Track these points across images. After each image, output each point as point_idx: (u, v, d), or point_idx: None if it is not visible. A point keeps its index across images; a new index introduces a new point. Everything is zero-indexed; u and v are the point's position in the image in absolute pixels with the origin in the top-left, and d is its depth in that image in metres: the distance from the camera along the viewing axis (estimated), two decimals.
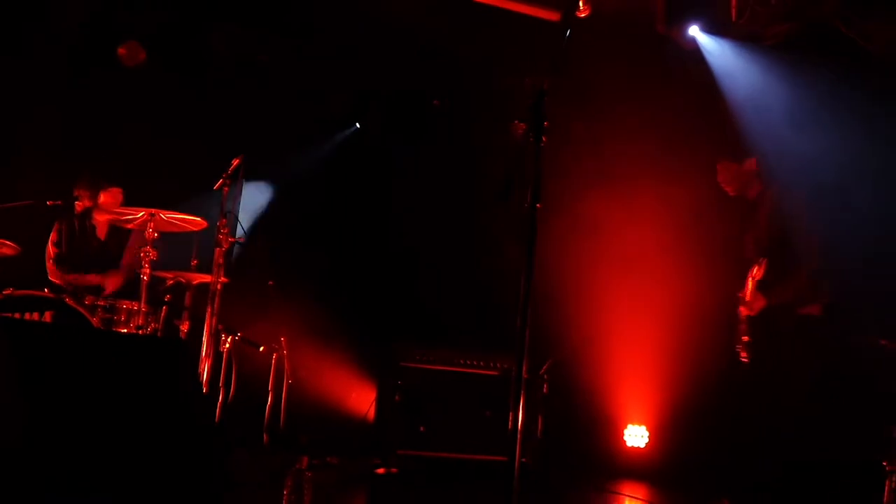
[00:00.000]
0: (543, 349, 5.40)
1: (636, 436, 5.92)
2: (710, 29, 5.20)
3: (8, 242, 4.62)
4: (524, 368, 2.50)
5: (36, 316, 4.32)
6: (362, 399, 6.12)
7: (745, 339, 4.43)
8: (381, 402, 5.88)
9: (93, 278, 5.24)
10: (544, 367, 5.43)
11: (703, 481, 5.04)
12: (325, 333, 6.01)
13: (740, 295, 4.51)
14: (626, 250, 5.71)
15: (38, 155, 5.71)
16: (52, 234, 5.34)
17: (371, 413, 5.97)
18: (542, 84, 2.64)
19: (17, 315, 4.33)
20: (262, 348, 5.21)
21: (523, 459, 2.88)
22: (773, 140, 4.79)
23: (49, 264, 5.27)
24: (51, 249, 5.31)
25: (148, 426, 2.33)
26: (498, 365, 5.46)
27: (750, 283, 4.44)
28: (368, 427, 5.94)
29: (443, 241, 6.32)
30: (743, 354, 4.44)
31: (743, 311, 4.48)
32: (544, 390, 5.39)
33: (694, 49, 5.28)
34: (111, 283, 5.24)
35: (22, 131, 5.72)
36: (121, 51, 5.95)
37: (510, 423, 2.50)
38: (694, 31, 5.30)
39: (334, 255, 6.38)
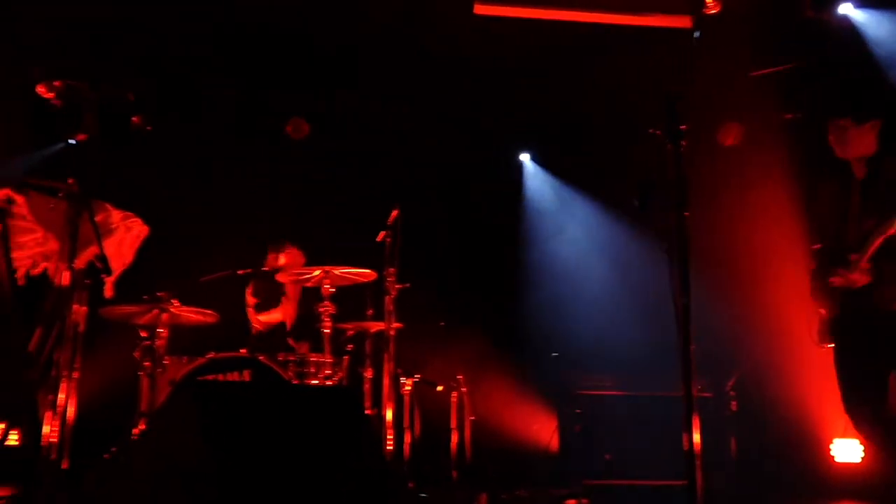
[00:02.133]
0: (727, 364, 5.12)
1: (848, 450, 5.38)
2: (863, 3, 4.86)
3: (209, 311, 5.16)
4: (695, 387, 2.42)
5: (236, 375, 4.77)
6: (544, 429, 6.11)
7: None
8: (563, 432, 5.84)
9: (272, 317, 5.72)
10: (730, 383, 5.14)
11: None
12: (499, 367, 6.11)
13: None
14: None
15: (226, 226, 6.36)
16: (248, 289, 5.89)
17: (555, 443, 5.94)
18: (677, 88, 2.58)
19: (220, 376, 4.80)
20: (440, 387, 5.38)
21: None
22: None
23: (250, 311, 5.80)
24: (250, 300, 5.85)
25: (339, 473, 2.50)
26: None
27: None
28: (554, 457, 5.91)
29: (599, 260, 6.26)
30: None
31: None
32: (732, 408, 5.09)
33: (847, 27, 4.96)
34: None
35: (211, 205, 6.41)
36: (287, 128, 6.52)
37: (685, 444, 2.42)
38: (846, 8, 5.02)
39: (494, 290, 6.51)
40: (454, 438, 5.45)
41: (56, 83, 3.15)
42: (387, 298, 4.80)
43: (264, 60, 6.00)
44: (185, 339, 5.29)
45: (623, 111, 6.07)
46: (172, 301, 4.96)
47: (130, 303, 4.73)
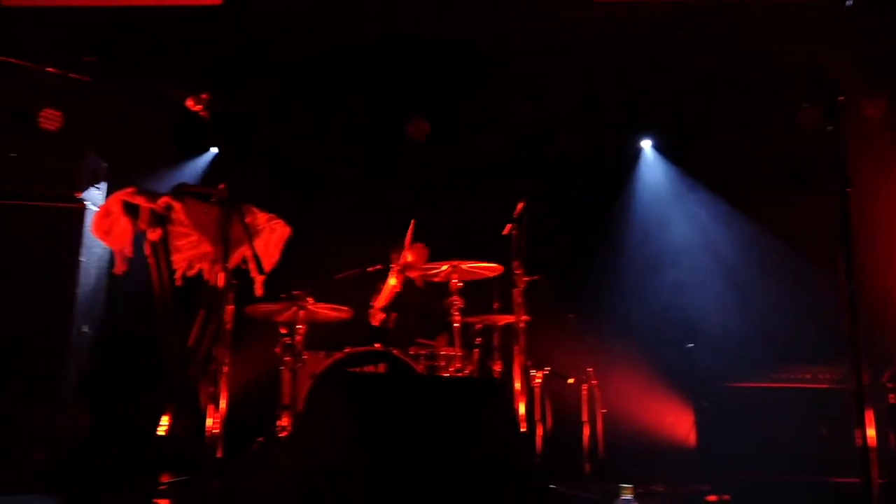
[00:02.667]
0: (884, 353, 4.78)
1: None
2: None
3: (343, 307, 5.36)
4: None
5: (371, 368, 4.93)
6: (680, 423, 5.92)
7: None
8: (701, 425, 5.63)
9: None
10: (887, 375, 4.78)
11: None
12: (630, 359, 5.98)
13: None
14: None
15: (355, 225, 6.57)
16: (377, 287, 6.05)
17: (692, 437, 5.75)
18: (833, 63, 2.44)
19: (356, 369, 4.98)
20: (571, 380, 5.33)
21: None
22: None
23: (373, 311, 5.97)
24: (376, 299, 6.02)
25: (478, 463, 2.53)
26: (827, 376, 4.95)
27: None
28: (691, 452, 5.72)
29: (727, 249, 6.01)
30: None
31: None
32: (890, 400, 4.74)
33: None
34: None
35: (341, 204, 6.64)
36: (409, 128, 6.65)
37: (859, 439, 2.27)
38: None
39: (622, 279, 6.38)
40: (586, 431, 5.39)
41: (203, 96, 3.34)
42: (515, 291, 4.81)
43: (387, 61, 6.13)
44: (322, 335, 5.53)
45: (756, 95, 5.81)
46: (308, 299, 5.19)
47: (271, 301, 4.98)
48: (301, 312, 5.18)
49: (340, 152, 6.69)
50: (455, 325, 4.96)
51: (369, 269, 5.90)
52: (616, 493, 4.02)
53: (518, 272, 4.79)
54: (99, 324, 5.38)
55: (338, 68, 6.18)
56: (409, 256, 5.88)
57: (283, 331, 5.31)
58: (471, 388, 2.96)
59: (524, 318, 4.80)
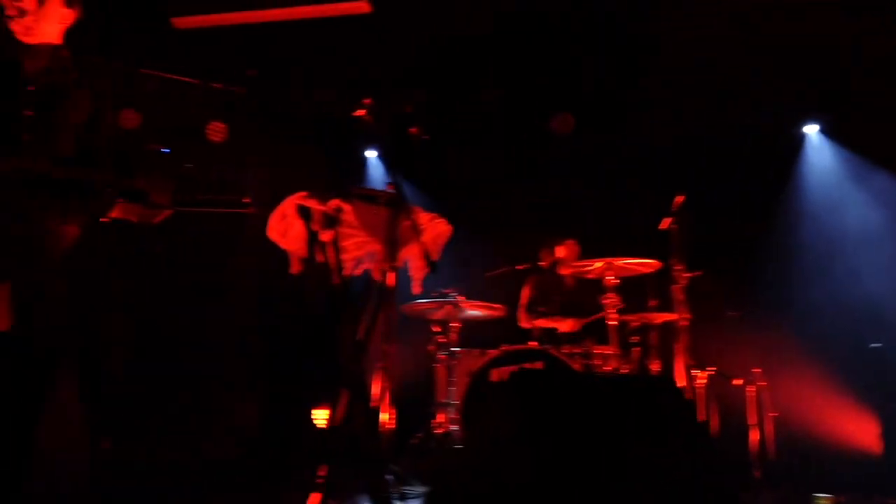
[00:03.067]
0: None
1: None
2: None
3: (497, 305, 5.35)
4: None
5: (528, 366, 4.87)
6: (862, 429, 5.45)
7: None
8: (890, 433, 5.16)
9: (544, 322, 5.64)
10: None
11: None
12: (802, 359, 5.57)
13: None
14: None
15: (504, 223, 6.55)
16: (525, 287, 6.00)
17: (877, 445, 5.27)
18: None
19: (512, 367, 4.93)
20: (738, 382, 5.04)
21: None
22: None
23: (520, 311, 5.91)
24: (524, 298, 5.97)
25: (665, 471, 2.42)
26: None
27: None
28: (876, 461, 5.25)
29: None
30: None
31: None
32: None
33: None
34: (564, 325, 5.63)
35: (492, 202, 6.65)
36: (554, 123, 6.55)
37: None
38: None
39: (789, 274, 5.95)
40: (754, 436, 5.07)
41: (366, 101, 3.41)
42: (675, 288, 4.60)
43: (534, 55, 6.05)
44: (475, 333, 5.55)
45: None
46: (458, 297, 5.23)
47: (425, 299, 5.05)
48: (455, 310, 5.23)
49: (487, 150, 6.69)
50: (611, 323, 4.82)
51: (518, 267, 5.88)
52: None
53: (678, 268, 4.58)
54: (267, 321, 5.69)
55: (482, 63, 6.17)
56: (560, 253, 5.80)
57: (437, 329, 5.39)
58: (650, 388, 2.83)
59: (686, 315, 4.58)
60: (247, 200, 5.33)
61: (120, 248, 4.90)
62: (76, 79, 3.05)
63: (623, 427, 2.60)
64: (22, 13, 2.94)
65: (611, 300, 4.80)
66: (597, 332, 5.17)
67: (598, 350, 5.12)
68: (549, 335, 5.43)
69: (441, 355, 5.34)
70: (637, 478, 2.44)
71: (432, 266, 2.99)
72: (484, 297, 5.44)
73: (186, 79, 6.14)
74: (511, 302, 5.65)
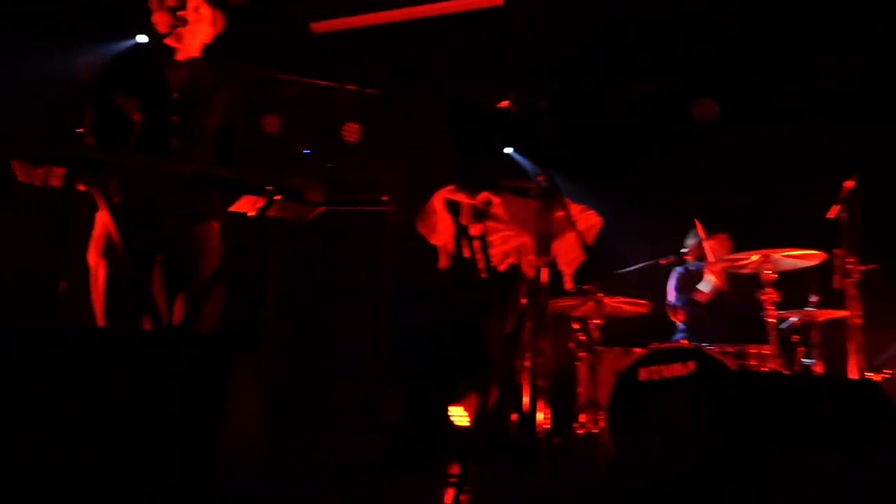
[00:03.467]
0: None
1: None
2: None
3: (641, 301, 5.13)
4: None
5: (679, 365, 4.61)
6: None
7: None
8: None
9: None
10: None
11: None
12: None
13: None
14: None
15: (648, 215, 6.29)
16: (671, 280, 5.72)
17: None
18: None
19: (661, 366, 4.70)
20: None
21: None
22: None
23: (668, 304, 5.65)
24: (670, 292, 5.70)
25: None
26: None
27: None
28: None
29: None
30: None
31: None
32: None
33: None
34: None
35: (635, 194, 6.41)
36: (696, 110, 6.23)
37: None
38: None
39: None
40: None
41: (512, 94, 3.37)
42: (847, 282, 4.22)
43: (674, 46, 5.79)
44: (616, 330, 5.34)
45: None
46: (597, 293, 5.04)
47: (566, 295, 4.89)
48: (598, 307, 5.05)
49: (628, 141, 6.46)
50: (770, 320, 4.48)
51: (662, 261, 5.63)
52: None
53: (850, 260, 4.20)
54: (406, 319, 5.74)
55: (621, 55, 5.98)
56: (708, 246, 5.49)
57: (576, 326, 5.22)
58: (851, 391, 2.58)
59: (859, 312, 4.20)
60: (385, 199, 5.39)
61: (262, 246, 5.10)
62: (214, 86, 3.25)
63: (826, 432, 2.38)
64: (183, 22, 3.14)
65: (768, 296, 4.48)
66: (751, 329, 4.85)
67: (753, 350, 4.80)
68: (699, 332, 5.17)
69: (582, 353, 5.17)
70: (839, 486, 2.21)
71: (589, 253, 2.88)
72: (627, 292, 5.24)
73: (323, 82, 6.30)
74: (656, 298, 5.41)
